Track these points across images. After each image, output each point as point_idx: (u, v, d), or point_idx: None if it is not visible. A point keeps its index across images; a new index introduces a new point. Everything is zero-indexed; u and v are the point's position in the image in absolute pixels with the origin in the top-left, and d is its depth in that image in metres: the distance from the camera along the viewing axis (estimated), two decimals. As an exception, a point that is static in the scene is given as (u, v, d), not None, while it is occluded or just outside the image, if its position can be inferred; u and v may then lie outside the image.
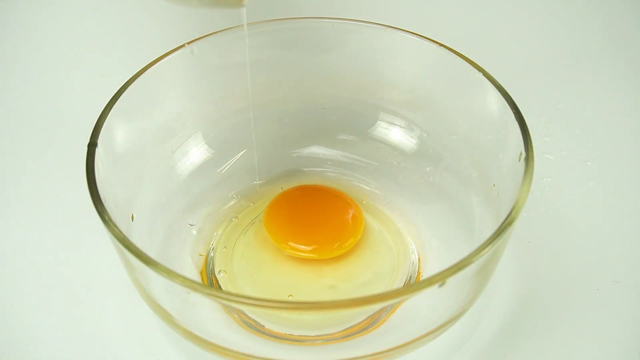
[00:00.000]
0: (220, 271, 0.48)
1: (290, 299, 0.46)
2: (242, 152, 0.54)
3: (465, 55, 0.48)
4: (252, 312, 0.45)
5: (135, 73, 0.46)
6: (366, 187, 0.53)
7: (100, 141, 0.42)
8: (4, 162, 0.57)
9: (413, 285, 0.46)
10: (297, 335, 0.44)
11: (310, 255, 0.48)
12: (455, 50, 0.48)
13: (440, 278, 0.36)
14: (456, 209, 0.49)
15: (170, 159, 0.50)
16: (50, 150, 0.58)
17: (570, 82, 0.63)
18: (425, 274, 0.47)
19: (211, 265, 0.48)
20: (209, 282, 0.47)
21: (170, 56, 0.48)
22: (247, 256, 0.49)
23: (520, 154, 0.42)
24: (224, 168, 0.53)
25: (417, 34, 0.50)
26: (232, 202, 0.52)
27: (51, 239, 0.51)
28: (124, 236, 0.38)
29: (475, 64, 0.47)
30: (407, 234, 0.50)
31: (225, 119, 0.53)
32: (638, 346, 0.45)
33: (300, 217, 0.50)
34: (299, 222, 0.50)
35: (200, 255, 0.49)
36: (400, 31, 0.50)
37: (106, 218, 0.38)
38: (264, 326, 0.44)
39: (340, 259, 0.49)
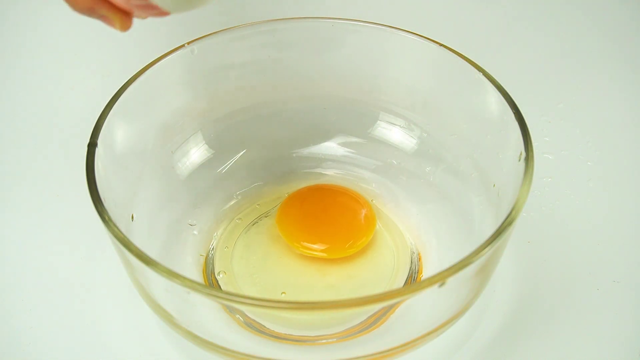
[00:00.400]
0: (219, 272, 0.48)
1: (290, 299, 0.46)
2: (242, 152, 0.54)
3: (465, 55, 0.48)
4: (252, 312, 0.45)
5: (135, 73, 0.46)
6: (366, 187, 0.53)
7: (100, 141, 0.42)
8: (4, 162, 0.57)
9: (413, 285, 0.46)
10: (297, 336, 0.44)
11: (324, 254, 0.48)
12: (455, 50, 0.48)
13: (440, 278, 0.36)
14: (456, 209, 0.49)
15: (170, 159, 0.50)
16: (50, 150, 0.58)
17: (570, 82, 0.63)
18: (426, 274, 0.47)
19: (211, 265, 0.48)
20: (209, 283, 0.47)
21: (170, 56, 0.48)
22: (248, 256, 0.49)
23: (520, 154, 0.42)
24: (224, 168, 0.53)
25: (417, 34, 0.50)
26: (232, 202, 0.52)
27: (51, 239, 0.51)
28: (124, 236, 0.38)
29: (475, 64, 0.47)
30: (407, 234, 0.50)
31: (225, 119, 0.53)
32: (638, 346, 0.45)
33: (313, 216, 0.50)
34: (312, 221, 0.50)
35: (200, 255, 0.49)
36: (400, 31, 0.50)
37: (106, 218, 0.39)
38: (264, 326, 0.44)
39: (340, 258, 0.49)
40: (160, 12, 0.39)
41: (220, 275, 0.48)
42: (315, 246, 0.49)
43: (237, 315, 0.44)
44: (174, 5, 0.39)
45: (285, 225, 0.50)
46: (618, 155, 0.57)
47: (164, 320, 0.41)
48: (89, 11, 0.40)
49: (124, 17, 0.40)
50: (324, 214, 0.51)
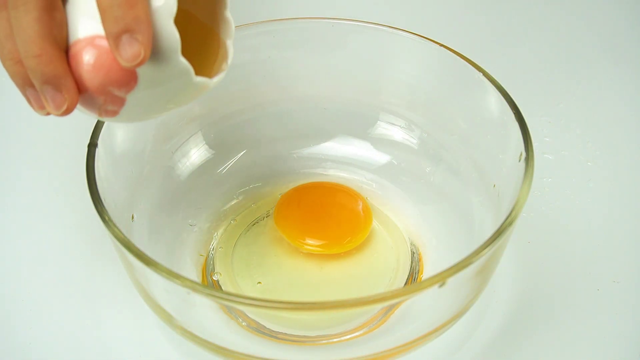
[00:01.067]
0: (219, 272, 0.48)
1: (290, 299, 0.46)
2: (242, 152, 0.54)
3: (465, 56, 0.48)
4: (252, 312, 0.45)
5: (135, 73, 0.46)
6: (366, 187, 0.53)
7: (100, 141, 0.42)
8: (4, 163, 0.57)
9: (413, 285, 0.46)
10: (297, 336, 0.44)
11: (322, 250, 0.48)
12: (455, 50, 0.48)
13: (440, 278, 0.36)
14: (456, 209, 0.49)
15: (170, 159, 0.50)
16: (50, 150, 0.58)
17: (570, 82, 0.63)
18: (426, 274, 0.47)
19: (212, 265, 0.48)
20: (209, 283, 0.47)
21: (170, 56, 0.48)
22: (248, 256, 0.49)
23: (520, 154, 0.42)
24: (224, 168, 0.53)
25: (417, 34, 0.50)
26: (233, 202, 0.52)
27: (51, 239, 0.51)
28: (124, 236, 0.38)
29: (475, 64, 0.47)
30: (407, 234, 0.50)
31: (225, 119, 0.53)
32: (638, 346, 0.45)
33: (311, 213, 0.51)
34: (310, 218, 0.50)
35: (200, 255, 0.49)
36: (400, 31, 0.50)
37: (106, 218, 0.39)
38: (264, 326, 0.44)
39: (340, 259, 0.49)
40: (113, 112, 0.36)
41: (220, 276, 0.48)
42: (315, 242, 0.49)
43: (239, 318, 0.44)
44: (137, 107, 0.37)
45: (283, 223, 0.50)
46: (618, 156, 0.57)
47: (164, 320, 0.41)
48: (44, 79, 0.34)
49: (73, 98, 0.35)
50: (322, 211, 0.51)
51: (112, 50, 0.34)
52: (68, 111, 0.35)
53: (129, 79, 0.35)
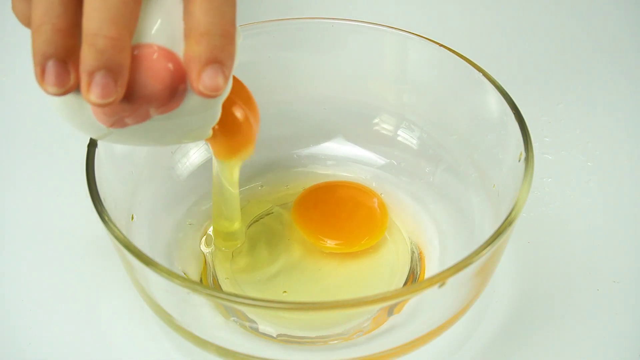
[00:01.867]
0: (219, 272, 0.48)
1: (290, 299, 0.46)
2: (242, 153, 0.54)
3: (465, 56, 0.48)
4: (251, 312, 0.45)
5: (135, 73, 0.46)
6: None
7: (100, 141, 0.42)
8: (3, 163, 0.57)
9: (413, 285, 0.46)
10: (297, 336, 0.44)
11: (340, 248, 0.48)
12: (456, 50, 0.48)
13: (440, 278, 0.36)
14: (456, 209, 0.49)
15: (170, 159, 0.50)
16: (50, 150, 0.58)
17: (570, 82, 0.63)
18: (426, 274, 0.47)
19: (212, 265, 0.48)
20: (210, 283, 0.47)
21: (170, 56, 0.48)
22: (247, 255, 0.49)
23: (520, 154, 0.42)
24: (224, 168, 0.53)
25: (417, 34, 0.50)
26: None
27: (51, 239, 0.51)
28: (124, 236, 0.38)
29: (475, 64, 0.47)
30: (407, 234, 0.50)
31: (225, 119, 0.53)
32: (638, 346, 0.45)
33: (329, 211, 0.51)
34: (328, 216, 0.50)
35: (201, 255, 0.49)
36: (400, 31, 0.50)
37: (106, 218, 0.39)
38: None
39: (340, 259, 0.49)
40: (123, 125, 0.34)
41: (227, 279, 0.48)
42: (332, 241, 0.49)
43: (233, 318, 0.44)
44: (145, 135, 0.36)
45: (302, 221, 0.50)
46: (618, 156, 0.57)
47: (164, 321, 0.41)
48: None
49: (121, 94, 0.32)
50: (339, 209, 0.51)
51: (191, 73, 0.32)
52: (111, 104, 0.32)
53: (174, 102, 0.34)
